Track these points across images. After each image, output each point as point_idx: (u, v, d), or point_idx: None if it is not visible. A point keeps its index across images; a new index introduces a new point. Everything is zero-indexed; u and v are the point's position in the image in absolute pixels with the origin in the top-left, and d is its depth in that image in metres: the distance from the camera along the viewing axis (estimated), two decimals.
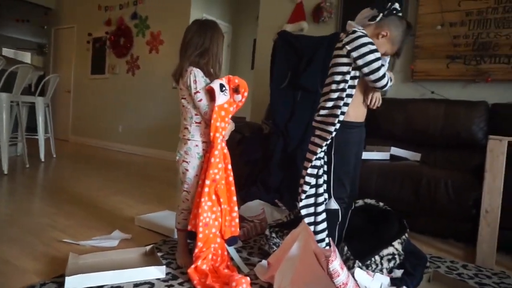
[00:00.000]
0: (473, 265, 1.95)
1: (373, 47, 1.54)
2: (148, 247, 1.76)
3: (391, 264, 1.62)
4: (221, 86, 1.59)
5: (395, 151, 2.69)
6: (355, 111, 1.67)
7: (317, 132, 1.66)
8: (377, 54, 1.55)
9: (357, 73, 1.58)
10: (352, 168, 1.72)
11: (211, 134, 1.58)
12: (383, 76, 1.57)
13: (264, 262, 1.68)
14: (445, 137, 2.87)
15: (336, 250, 1.30)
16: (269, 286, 1.51)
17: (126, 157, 5.24)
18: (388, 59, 1.75)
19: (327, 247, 1.56)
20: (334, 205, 1.68)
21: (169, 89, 5.22)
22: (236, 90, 1.62)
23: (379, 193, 2.41)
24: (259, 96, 4.20)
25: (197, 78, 1.61)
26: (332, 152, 1.68)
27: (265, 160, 2.84)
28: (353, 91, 1.59)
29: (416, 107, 3.02)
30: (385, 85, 1.60)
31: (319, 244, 1.58)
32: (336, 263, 1.22)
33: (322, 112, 1.65)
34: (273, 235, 1.84)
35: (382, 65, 1.57)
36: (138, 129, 5.65)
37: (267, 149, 2.83)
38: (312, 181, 1.65)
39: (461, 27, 3.05)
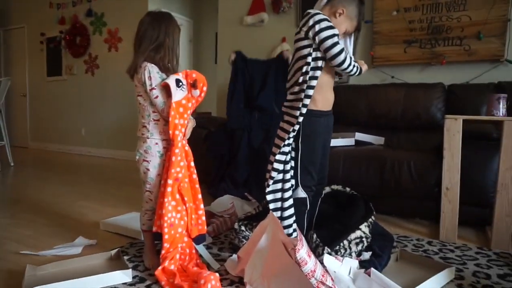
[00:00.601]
0: (438, 241, 2.02)
1: (329, 23, 1.53)
2: (113, 251, 1.70)
3: (359, 248, 1.64)
4: (178, 81, 1.54)
5: (360, 136, 2.73)
6: (323, 98, 1.67)
7: (286, 118, 1.67)
8: (335, 37, 1.53)
9: (319, 54, 1.56)
10: (320, 157, 1.72)
11: (170, 132, 1.53)
12: (344, 59, 1.55)
13: (234, 256, 1.66)
14: (406, 119, 2.95)
15: (303, 239, 1.30)
16: (240, 280, 1.50)
17: (90, 160, 5.05)
18: (351, 43, 1.77)
19: (295, 236, 1.56)
20: (301, 193, 1.68)
21: (131, 87, 5.05)
22: (193, 85, 1.57)
23: (346, 178, 2.44)
24: (224, 90, 4.14)
25: (151, 74, 1.55)
26: (300, 141, 1.68)
27: (232, 155, 2.81)
28: (317, 73, 1.57)
29: (377, 92, 3.09)
30: (348, 69, 1.59)
31: (286, 230, 1.59)
32: (303, 252, 1.22)
33: (289, 97, 1.67)
34: (242, 228, 1.82)
35: (342, 48, 1.55)
36: (102, 131, 5.45)
37: (233, 144, 2.80)
38: (280, 167, 1.65)
39: (415, 12, 3.13)
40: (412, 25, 3.15)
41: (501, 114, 1.94)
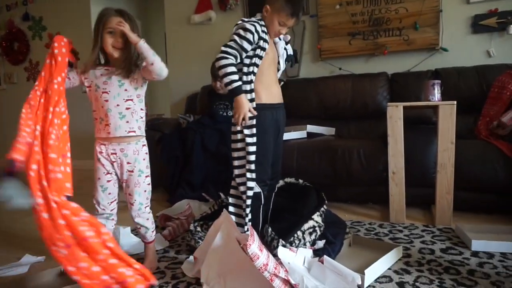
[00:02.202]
0: (388, 223, 2.12)
1: (239, 28, 1.58)
2: (62, 267, 1.61)
3: (313, 237, 1.68)
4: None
5: (311, 128, 2.80)
6: (266, 91, 1.69)
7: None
8: (230, 44, 1.56)
9: (250, 53, 1.60)
10: (272, 150, 1.73)
11: None
12: (221, 67, 1.54)
13: (191, 258, 1.65)
14: (355, 109, 3.06)
15: (255, 234, 1.31)
16: (196, 281, 1.49)
17: None
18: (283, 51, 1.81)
19: (247, 232, 1.57)
20: (256, 188, 1.69)
21: (78, 92, 4.83)
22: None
23: (300, 170, 2.49)
24: (176, 91, 4.08)
25: None
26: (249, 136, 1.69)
27: (186, 158, 2.77)
28: (251, 69, 1.60)
29: (326, 84, 3.17)
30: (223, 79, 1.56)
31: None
32: (254, 246, 1.23)
33: None
34: (198, 229, 1.81)
35: (226, 59, 1.54)
36: None
37: (187, 146, 2.75)
38: (239, 163, 1.68)
39: (356, 5, 3.24)
40: (354, 18, 3.26)
41: (436, 99, 2.06)
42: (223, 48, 1.57)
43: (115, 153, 1.55)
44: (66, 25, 4.86)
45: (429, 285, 1.38)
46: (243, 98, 1.56)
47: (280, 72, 1.87)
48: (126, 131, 1.53)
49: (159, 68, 1.48)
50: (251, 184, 1.64)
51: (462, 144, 2.17)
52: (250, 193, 1.64)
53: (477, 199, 2.22)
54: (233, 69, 1.55)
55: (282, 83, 1.94)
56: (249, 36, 1.57)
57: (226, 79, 1.54)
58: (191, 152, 2.74)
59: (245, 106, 1.55)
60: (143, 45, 1.44)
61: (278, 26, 1.65)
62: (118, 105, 1.52)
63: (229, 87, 1.55)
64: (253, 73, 1.61)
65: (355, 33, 3.26)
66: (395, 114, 2.08)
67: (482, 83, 2.68)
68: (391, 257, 1.56)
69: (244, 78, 1.60)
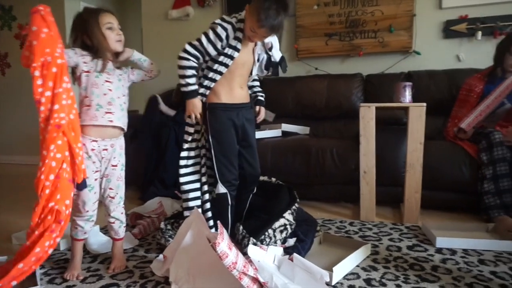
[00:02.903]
0: (359, 221, 2.16)
1: (203, 37, 1.56)
2: None
3: (284, 235, 1.69)
4: None
5: (286, 127, 2.81)
6: (226, 91, 1.67)
7: None
8: (195, 44, 1.56)
9: (216, 57, 1.61)
10: (234, 150, 1.70)
11: None
12: (180, 67, 1.59)
13: (160, 256, 1.62)
14: (330, 109, 3.10)
15: (224, 232, 1.30)
16: (166, 280, 1.47)
17: (4, 169, 4.61)
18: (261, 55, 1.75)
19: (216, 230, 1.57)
20: (221, 189, 1.68)
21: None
22: None
23: (275, 169, 2.50)
24: (152, 87, 4.01)
25: None
26: (210, 136, 1.68)
27: (160, 155, 2.73)
28: (214, 76, 1.63)
29: (303, 84, 3.20)
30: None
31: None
32: (223, 245, 1.22)
33: None
34: (169, 227, 1.79)
35: (187, 60, 1.57)
36: (17, 136, 4.98)
37: (161, 143, 2.72)
38: (188, 163, 1.73)
39: (334, 7, 3.28)
40: (331, 18, 3.30)
41: (407, 101, 2.12)
42: (186, 47, 1.57)
43: (107, 149, 1.54)
44: None
45: (395, 281, 1.41)
46: (196, 101, 1.62)
47: (251, 78, 1.81)
48: (124, 124, 1.56)
49: (156, 71, 1.65)
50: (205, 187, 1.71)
51: (430, 144, 2.24)
52: (206, 196, 1.71)
53: (444, 198, 2.30)
54: (192, 72, 1.57)
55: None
56: (217, 42, 1.55)
57: (182, 81, 1.58)
58: (165, 149, 2.71)
59: (198, 107, 1.63)
60: (136, 56, 1.58)
61: (250, 32, 1.55)
62: (119, 97, 1.55)
63: (184, 89, 1.59)
64: (214, 80, 1.64)
65: (332, 33, 3.30)
66: (367, 114, 2.12)
67: (452, 86, 2.77)
68: (359, 254, 1.59)
69: (206, 82, 1.65)
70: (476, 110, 2.25)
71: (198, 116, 1.64)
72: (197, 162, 1.74)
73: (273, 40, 1.71)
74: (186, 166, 1.73)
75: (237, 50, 1.60)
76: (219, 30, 1.54)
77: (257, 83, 1.91)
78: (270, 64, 1.77)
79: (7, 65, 4.97)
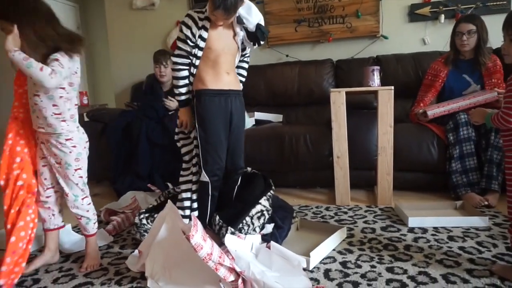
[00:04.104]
0: (334, 206, 2.20)
1: (178, 43, 1.64)
2: None
3: (262, 221, 1.69)
4: None
5: (259, 115, 2.81)
6: (212, 78, 1.65)
7: None
8: (179, 53, 1.64)
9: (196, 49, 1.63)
10: (221, 139, 1.68)
11: None
12: (175, 78, 1.67)
13: (136, 252, 1.59)
14: (302, 95, 3.10)
15: (198, 224, 1.28)
16: (141, 276, 1.44)
17: None
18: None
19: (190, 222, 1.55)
20: (203, 177, 1.67)
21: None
22: None
23: (250, 157, 2.46)
24: (120, 80, 3.89)
25: None
26: (196, 124, 1.66)
27: (132, 148, 2.66)
28: (197, 62, 1.64)
29: (274, 71, 3.19)
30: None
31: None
32: (197, 237, 1.21)
33: None
34: (144, 221, 1.75)
35: (179, 71, 1.64)
36: None
37: (132, 136, 2.65)
38: (183, 151, 1.75)
39: None
40: (299, 5, 3.28)
41: (375, 85, 2.15)
42: (173, 59, 1.65)
43: (43, 143, 1.52)
44: None
45: (369, 262, 1.44)
46: (187, 110, 1.70)
47: (245, 58, 1.84)
48: (36, 125, 1.50)
49: (38, 80, 1.35)
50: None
51: (400, 127, 2.29)
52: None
53: (415, 179, 2.37)
54: (185, 81, 1.66)
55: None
56: (188, 41, 1.61)
57: (176, 90, 1.68)
58: (137, 143, 2.64)
59: (189, 116, 1.70)
60: (14, 57, 1.33)
61: (212, 16, 1.57)
62: (30, 98, 1.48)
63: (177, 98, 1.70)
64: (193, 65, 1.65)
65: (301, 20, 3.29)
66: (338, 99, 2.14)
67: (418, 69, 2.83)
68: (335, 238, 1.62)
69: (191, 69, 1.67)
70: (447, 106, 2.28)
71: (188, 124, 1.71)
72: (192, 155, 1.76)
73: (243, 12, 1.66)
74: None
75: (203, 39, 1.62)
76: (184, 31, 1.61)
77: (243, 71, 1.86)
78: (251, 35, 1.71)
79: None
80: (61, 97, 1.46)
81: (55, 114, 1.46)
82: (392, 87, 2.08)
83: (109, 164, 2.78)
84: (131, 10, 3.74)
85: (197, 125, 1.67)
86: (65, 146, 1.50)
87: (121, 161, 2.66)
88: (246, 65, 1.87)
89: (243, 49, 1.78)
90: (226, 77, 1.69)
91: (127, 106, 3.22)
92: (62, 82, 1.43)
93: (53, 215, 1.60)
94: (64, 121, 1.48)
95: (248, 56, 1.87)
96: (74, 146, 1.52)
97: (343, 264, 1.44)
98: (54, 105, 1.46)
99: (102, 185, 3.08)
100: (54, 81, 1.38)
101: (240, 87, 1.78)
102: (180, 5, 3.58)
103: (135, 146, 2.64)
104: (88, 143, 1.61)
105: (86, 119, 3.22)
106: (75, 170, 1.53)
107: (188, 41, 1.60)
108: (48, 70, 1.36)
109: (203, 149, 1.67)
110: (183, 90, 1.67)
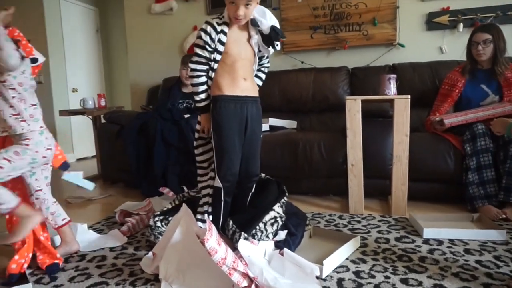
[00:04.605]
0: (348, 214, 2.18)
1: (197, 50, 1.65)
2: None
3: (275, 227, 1.69)
4: None
5: (273, 121, 2.81)
6: (228, 84, 1.66)
7: None
8: (198, 60, 1.64)
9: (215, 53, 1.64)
10: (236, 145, 1.67)
11: None
12: (193, 85, 1.68)
13: (150, 254, 1.61)
14: (316, 102, 3.10)
15: (213, 228, 1.29)
16: (155, 277, 1.45)
17: None
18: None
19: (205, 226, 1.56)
20: (217, 183, 1.68)
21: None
22: None
23: (264, 163, 2.45)
24: (137, 83, 3.96)
25: None
26: (212, 129, 1.68)
27: (148, 149, 2.69)
28: (215, 65, 1.67)
29: (289, 78, 3.19)
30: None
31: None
32: (212, 241, 1.22)
33: None
34: (158, 224, 1.77)
35: (197, 77, 1.65)
36: None
37: (148, 138, 2.68)
38: (201, 158, 1.77)
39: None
40: (316, 11, 3.29)
41: (392, 93, 2.14)
42: (191, 66, 1.65)
43: None
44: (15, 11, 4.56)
45: (383, 273, 1.43)
46: (208, 116, 1.71)
47: (262, 68, 1.86)
48: (0, 130, 1.53)
49: (8, 56, 1.41)
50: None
51: (415, 136, 2.27)
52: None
53: (430, 189, 2.34)
54: (204, 87, 1.67)
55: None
56: (207, 46, 1.62)
57: (197, 97, 1.69)
58: (153, 143, 2.66)
59: (209, 121, 1.71)
60: None
61: (231, 7, 1.58)
62: None
63: (198, 104, 1.71)
64: (212, 69, 1.67)
65: (317, 27, 3.30)
66: (353, 107, 2.13)
67: (435, 78, 2.81)
68: (349, 247, 1.61)
69: (210, 73, 1.68)
70: (465, 116, 2.24)
71: (209, 129, 1.72)
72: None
73: (257, 15, 1.66)
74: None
75: (222, 43, 1.64)
76: (203, 36, 1.62)
77: (259, 81, 1.87)
78: (267, 38, 1.69)
79: None
80: (13, 97, 1.51)
81: (13, 115, 1.51)
82: (409, 96, 2.07)
83: (126, 166, 2.82)
84: (150, 15, 3.82)
85: (212, 130, 1.69)
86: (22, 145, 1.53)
87: (141, 165, 2.69)
88: (262, 75, 1.88)
89: (260, 58, 1.79)
90: (243, 83, 1.69)
91: (143, 109, 3.28)
92: (17, 70, 1.49)
93: (51, 213, 1.68)
94: (23, 121, 1.52)
95: (266, 67, 1.87)
96: (27, 145, 1.52)
97: (357, 273, 1.43)
98: (10, 106, 1.51)
99: (116, 187, 3.12)
100: (14, 61, 1.44)
101: (257, 93, 1.78)
102: (197, 10, 3.63)
103: (151, 146, 2.67)
104: (50, 151, 1.60)
105: (103, 120, 3.28)
106: (34, 179, 1.62)
107: (207, 46, 1.62)
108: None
109: (217, 154, 1.68)
110: (203, 96, 1.68)
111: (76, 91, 4.94)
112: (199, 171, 1.82)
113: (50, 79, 4.54)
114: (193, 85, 1.67)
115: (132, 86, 4.01)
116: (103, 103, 3.52)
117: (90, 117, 3.51)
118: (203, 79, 1.66)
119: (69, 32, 4.87)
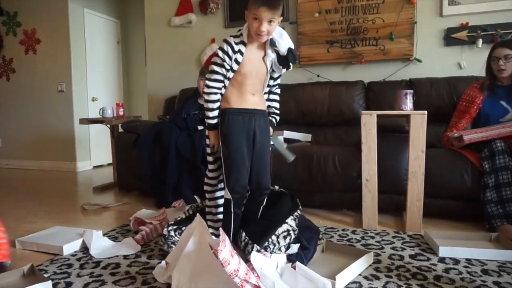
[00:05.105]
0: (361, 229, 2.16)
1: (214, 67, 1.67)
2: (26, 267, 1.57)
3: (288, 241, 1.69)
4: None
5: (288, 134, 2.82)
6: (236, 98, 1.69)
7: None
8: (215, 77, 1.67)
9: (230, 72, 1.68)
10: (244, 157, 1.69)
11: None
12: (207, 101, 1.70)
13: (163, 263, 1.62)
14: (331, 116, 3.11)
15: (226, 239, 1.30)
16: (168, 286, 1.47)
17: (9, 173, 4.61)
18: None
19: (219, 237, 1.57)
20: (226, 195, 1.69)
21: (54, 91, 4.72)
22: None
23: (277, 176, 2.50)
24: (155, 93, 4.04)
25: None
26: (220, 141, 1.70)
27: (163, 158, 2.74)
28: (227, 82, 1.71)
29: (304, 91, 3.21)
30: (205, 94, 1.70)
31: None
32: (225, 252, 1.23)
33: None
34: (172, 233, 1.79)
35: (214, 94, 1.68)
36: (22, 140, 5.00)
37: (163, 147, 2.73)
38: (212, 170, 1.79)
39: (335, 14, 3.30)
40: (333, 26, 3.32)
41: (408, 108, 2.12)
42: (207, 83, 1.68)
43: None
44: (41, 22, 4.75)
45: None
46: (216, 133, 1.73)
47: (273, 89, 1.88)
48: None
49: None
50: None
51: (432, 152, 2.24)
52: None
53: (446, 206, 2.30)
54: (218, 104, 1.70)
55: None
56: (225, 64, 1.65)
57: (211, 113, 1.70)
58: (167, 152, 2.71)
59: (217, 138, 1.74)
60: None
61: (254, 23, 1.60)
62: None
63: (208, 121, 1.72)
64: (224, 86, 1.70)
65: (333, 41, 3.32)
66: (369, 122, 2.13)
67: (453, 93, 2.78)
68: (362, 263, 1.59)
69: (222, 90, 1.71)
70: (485, 132, 2.20)
71: (216, 145, 1.75)
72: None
73: (276, 35, 1.70)
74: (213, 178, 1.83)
75: (238, 63, 1.68)
76: (221, 55, 1.65)
77: (276, 104, 1.90)
78: (282, 59, 1.73)
79: (12, 70, 5.01)
80: None
81: None
82: (426, 112, 2.06)
83: (142, 175, 2.86)
84: (169, 27, 3.92)
85: (220, 143, 1.71)
86: None
87: (157, 175, 2.73)
88: (277, 97, 1.91)
89: (272, 78, 1.80)
90: (251, 97, 1.73)
91: (160, 118, 3.34)
92: None
93: None
94: None
95: (278, 88, 1.90)
96: None
97: None
98: None
99: (132, 195, 3.17)
100: None
101: (265, 107, 1.81)
102: (215, 23, 3.71)
103: (165, 156, 2.71)
104: None
105: (120, 129, 3.36)
106: None
107: (225, 64, 1.65)
108: None
109: (226, 166, 1.70)
110: (216, 113, 1.70)
111: (96, 100, 5.08)
112: (206, 188, 1.84)
113: (71, 88, 4.68)
114: (208, 101, 1.69)
115: (150, 96, 4.09)
116: (121, 113, 3.60)
117: (109, 125, 3.59)
118: (218, 96, 1.69)
119: (91, 43, 5.03)
